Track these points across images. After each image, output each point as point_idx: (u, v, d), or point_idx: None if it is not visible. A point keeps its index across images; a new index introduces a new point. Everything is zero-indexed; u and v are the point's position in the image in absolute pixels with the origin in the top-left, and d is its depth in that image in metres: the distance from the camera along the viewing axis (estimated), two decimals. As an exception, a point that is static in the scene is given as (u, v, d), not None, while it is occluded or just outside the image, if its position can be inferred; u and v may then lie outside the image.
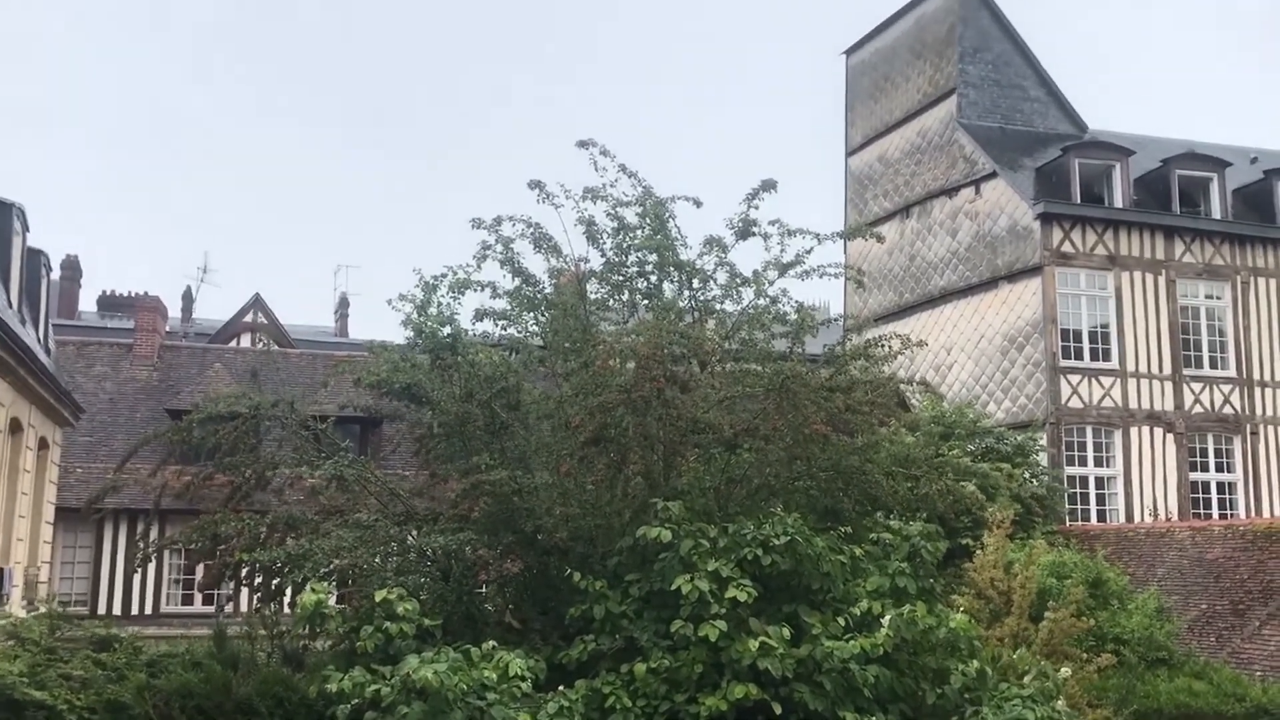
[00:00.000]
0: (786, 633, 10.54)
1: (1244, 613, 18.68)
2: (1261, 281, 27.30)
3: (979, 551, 16.54)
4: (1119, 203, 26.91)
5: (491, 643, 10.31)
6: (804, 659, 10.42)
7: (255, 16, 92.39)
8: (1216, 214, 27.55)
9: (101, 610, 23.67)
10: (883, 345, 14.05)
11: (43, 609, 17.76)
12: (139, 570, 21.10)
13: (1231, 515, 25.51)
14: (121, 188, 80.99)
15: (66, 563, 24.19)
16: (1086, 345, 25.80)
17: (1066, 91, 30.79)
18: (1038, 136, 29.63)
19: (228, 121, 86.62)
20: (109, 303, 42.29)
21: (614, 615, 10.88)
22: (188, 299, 42.71)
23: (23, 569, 18.31)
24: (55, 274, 27.04)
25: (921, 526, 12.68)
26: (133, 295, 39.91)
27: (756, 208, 14.08)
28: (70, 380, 25.14)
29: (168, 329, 32.30)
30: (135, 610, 24.06)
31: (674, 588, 10.57)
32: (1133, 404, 25.70)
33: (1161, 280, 26.48)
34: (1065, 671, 12.90)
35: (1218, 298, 27.03)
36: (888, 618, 10.74)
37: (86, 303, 42.03)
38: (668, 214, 13.88)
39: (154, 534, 21.77)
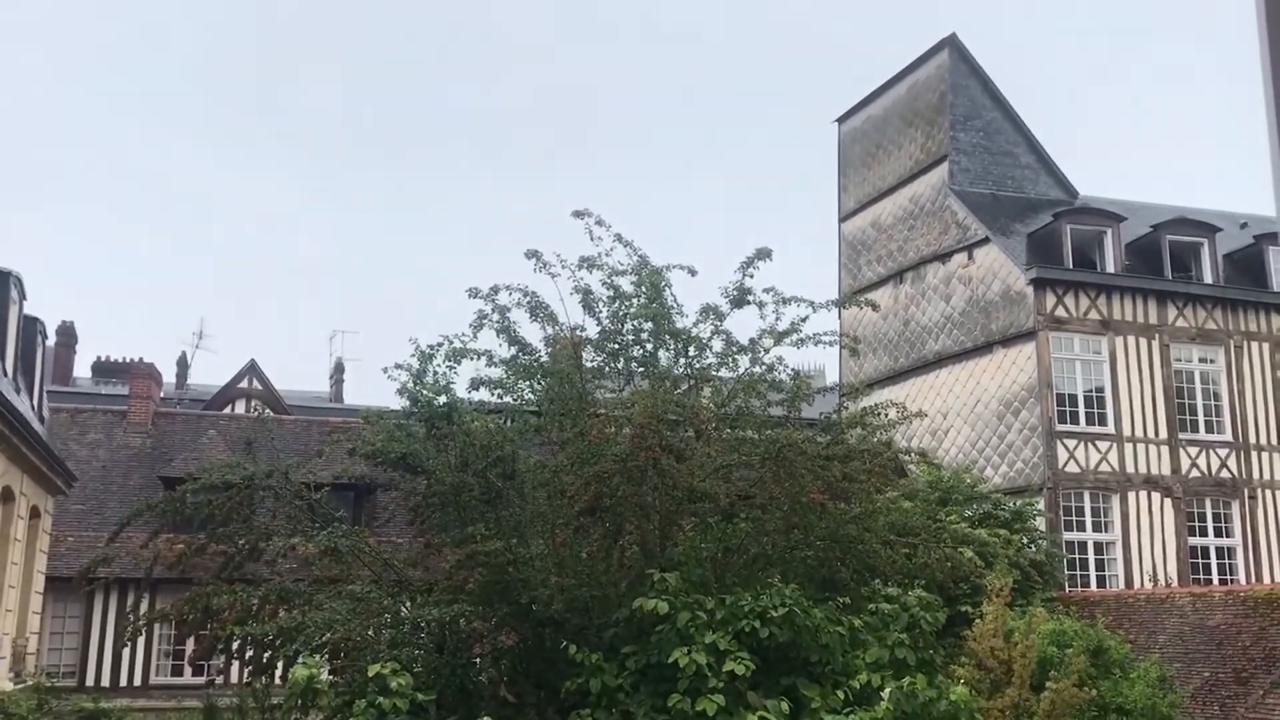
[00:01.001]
0: (785, 706, 10.42)
1: (1247, 681, 18.47)
2: (1254, 346, 27.39)
3: (978, 620, 16.39)
4: (1111, 268, 27.09)
5: (486, 718, 10.17)
6: (803, 733, 10.29)
7: (249, 81, 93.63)
8: (1208, 279, 27.73)
9: (90, 681, 23.32)
10: (880, 414, 14.05)
11: (30, 682, 17.52)
12: (129, 643, 20.82)
13: (1231, 581, 25.32)
14: (117, 252, 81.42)
15: (55, 633, 23.88)
16: (1082, 409, 25.79)
17: (1057, 158, 31.18)
18: (1029, 202, 29.91)
19: (222, 185, 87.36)
20: (104, 369, 42.23)
21: (610, 689, 10.75)
22: (183, 365, 42.66)
23: (11, 640, 18.08)
24: (51, 340, 27.07)
25: (920, 595, 12.59)
26: (127, 361, 39.85)
27: (751, 276, 14.20)
28: (64, 447, 25.03)
29: (162, 395, 32.24)
30: (124, 682, 23.70)
31: (671, 660, 10.46)
32: (1130, 468, 25.63)
33: (1155, 344, 26.56)
34: (1068, 744, 12.73)
35: (1211, 361, 27.09)
36: (887, 690, 10.63)
37: (81, 369, 41.99)
38: (663, 282, 13.97)
39: (145, 605, 21.50)
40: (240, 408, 35.83)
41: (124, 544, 15.30)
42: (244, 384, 37.48)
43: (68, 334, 38.97)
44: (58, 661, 23.41)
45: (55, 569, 21.75)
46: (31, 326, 20.03)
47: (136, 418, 28.22)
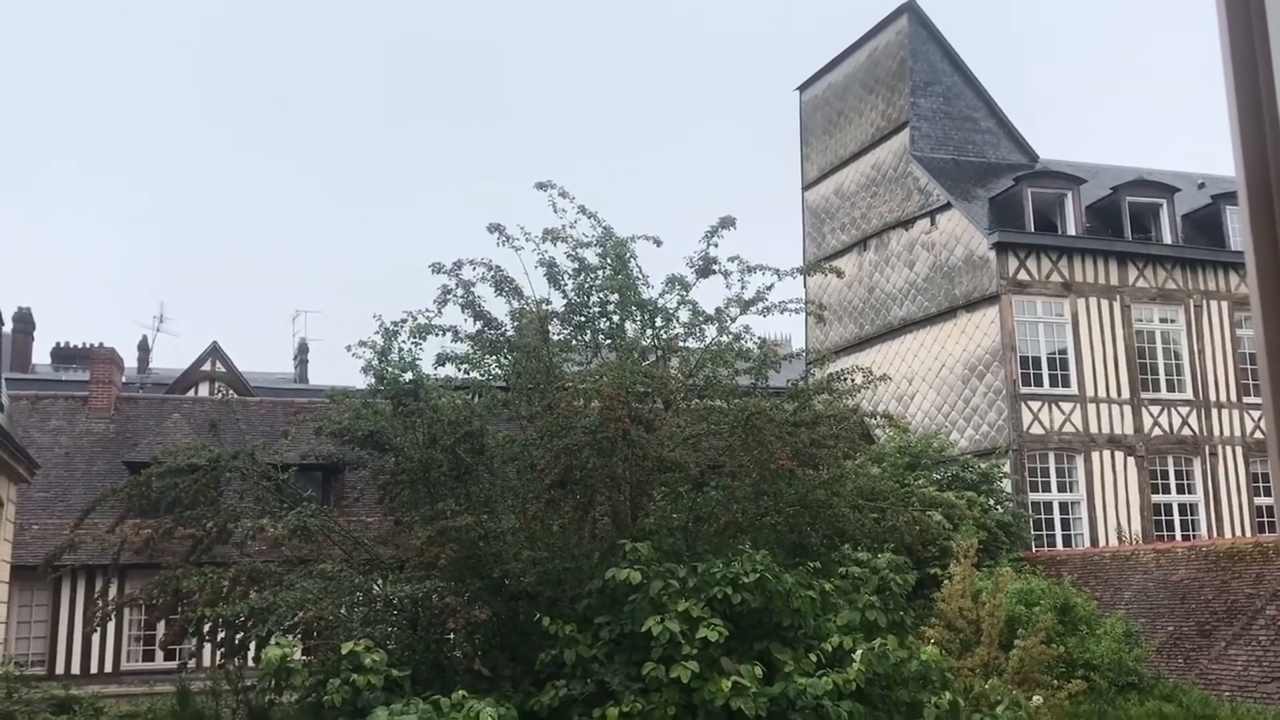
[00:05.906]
0: (759, 671, 10.50)
1: (1210, 633, 18.81)
2: (1213, 304, 27.74)
3: (947, 581, 16.58)
4: (1072, 230, 27.31)
5: (461, 692, 10.18)
6: (777, 697, 10.38)
7: (205, 62, 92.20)
8: (1167, 239, 28.01)
9: (60, 670, 23.12)
10: (846, 379, 14.12)
11: (-1, 671, 17.34)
12: (98, 629, 20.67)
13: (1194, 536, 25.74)
14: (73, 236, 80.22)
15: (23, 622, 23.64)
16: (1045, 372, 26.06)
17: (1016, 122, 31.33)
18: (990, 167, 30.06)
19: (179, 166, 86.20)
20: (63, 355, 41.67)
21: (585, 659, 10.79)
22: (144, 349, 42.12)
23: (-22, 631, 17.88)
24: (8, 327, 26.66)
25: (890, 558, 12.71)
26: (87, 346, 39.34)
27: (716, 245, 14.19)
28: (25, 435, 24.71)
29: (124, 380, 31.86)
30: (95, 669, 23.52)
31: (645, 629, 10.51)
32: (1093, 428, 25.95)
33: (1116, 305, 26.84)
34: (1037, 700, 12.95)
35: (1172, 321, 27.42)
36: (859, 652, 10.73)
37: (40, 355, 41.39)
38: (628, 254, 13.92)
39: (113, 591, 21.32)
40: (204, 390, 35.48)
41: (90, 530, 15.14)
42: (207, 366, 37.09)
43: (25, 320, 38.36)
44: (26, 650, 23.18)
45: (20, 558, 21.48)
46: (-13, 313, 19.71)
47: (98, 403, 27.86)
